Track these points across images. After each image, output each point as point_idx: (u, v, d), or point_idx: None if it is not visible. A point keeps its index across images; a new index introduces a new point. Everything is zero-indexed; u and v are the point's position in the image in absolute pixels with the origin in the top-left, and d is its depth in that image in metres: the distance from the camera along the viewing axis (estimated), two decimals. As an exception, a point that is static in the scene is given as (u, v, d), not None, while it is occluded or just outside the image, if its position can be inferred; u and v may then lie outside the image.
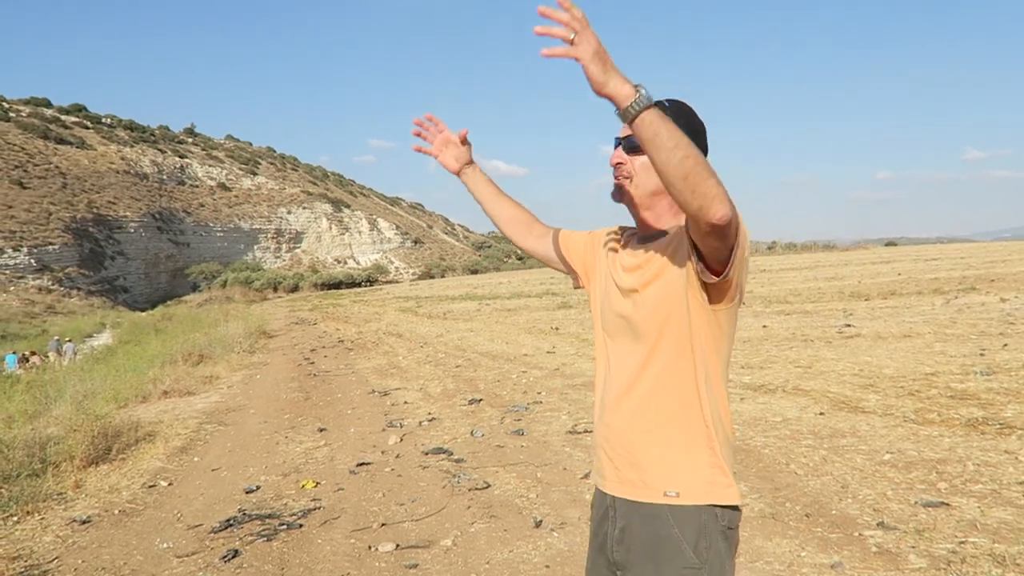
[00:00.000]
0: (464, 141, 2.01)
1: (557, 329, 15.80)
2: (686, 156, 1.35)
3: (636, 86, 1.36)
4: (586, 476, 5.00)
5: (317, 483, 5.35)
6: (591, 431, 6.23)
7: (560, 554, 3.75)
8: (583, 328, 15.60)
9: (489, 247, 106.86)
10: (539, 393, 8.32)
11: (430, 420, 7.32)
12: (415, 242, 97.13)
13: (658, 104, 1.40)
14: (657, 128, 1.35)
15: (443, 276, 78.15)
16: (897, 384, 7.07)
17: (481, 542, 4.00)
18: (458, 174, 2.02)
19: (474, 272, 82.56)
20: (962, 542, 3.41)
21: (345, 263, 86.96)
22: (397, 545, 4.00)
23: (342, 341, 17.19)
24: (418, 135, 2.04)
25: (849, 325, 12.15)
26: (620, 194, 1.73)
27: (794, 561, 3.38)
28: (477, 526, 4.24)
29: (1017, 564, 3.13)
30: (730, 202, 1.39)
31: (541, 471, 5.23)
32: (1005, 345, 9.02)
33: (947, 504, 3.91)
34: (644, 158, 1.63)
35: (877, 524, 3.70)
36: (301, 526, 4.41)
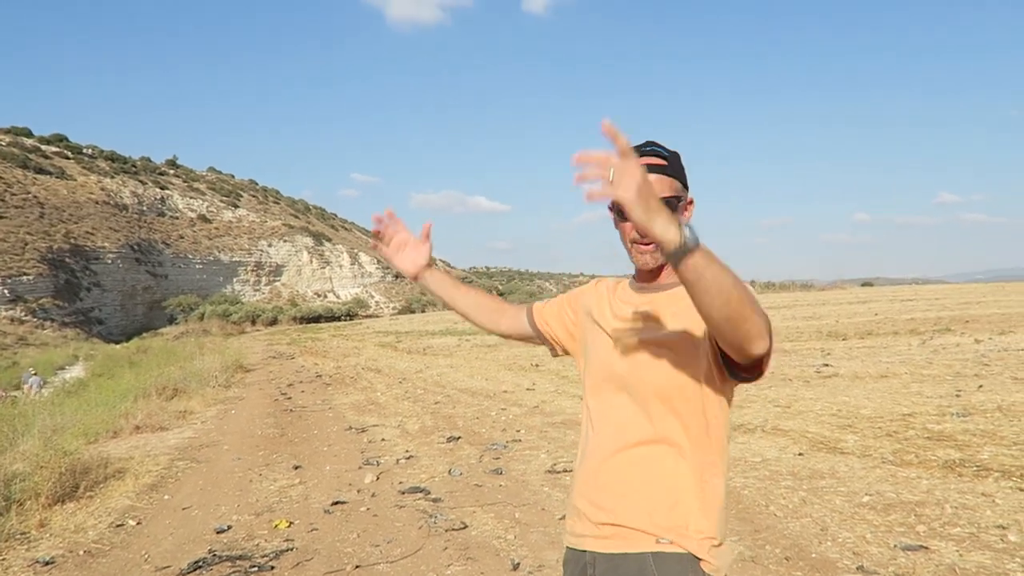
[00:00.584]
0: (427, 236, 1.95)
1: (537, 366, 15.75)
2: (729, 299, 1.28)
3: (681, 227, 1.26)
4: (564, 517, 4.93)
5: (291, 523, 5.23)
6: (571, 470, 6.20)
7: (538, 598, 3.68)
8: (563, 365, 15.54)
9: (470, 282, 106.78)
10: (518, 431, 8.25)
11: (407, 458, 7.22)
12: (396, 277, 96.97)
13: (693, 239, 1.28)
14: (702, 272, 1.26)
15: (423, 311, 77.86)
16: (875, 425, 7.09)
17: (457, 585, 3.92)
18: (415, 279, 1.97)
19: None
20: (942, 587, 3.39)
21: (325, 297, 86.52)
22: (371, 588, 3.92)
23: (320, 376, 17.00)
24: (377, 233, 1.98)
25: (827, 364, 12.23)
26: (657, 260, 1.63)
27: (774, 606, 3.34)
28: (453, 568, 4.16)
29: (997, 610, 3.12)
30: (769, 333, 1.36)
31: (519, 511, 5.16)
32: (980, 386, 9.10)
33: (926, 548, 3.90)
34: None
35: (857, 568, 3.68)
36: (273, 568, 4.30)
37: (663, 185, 1.60)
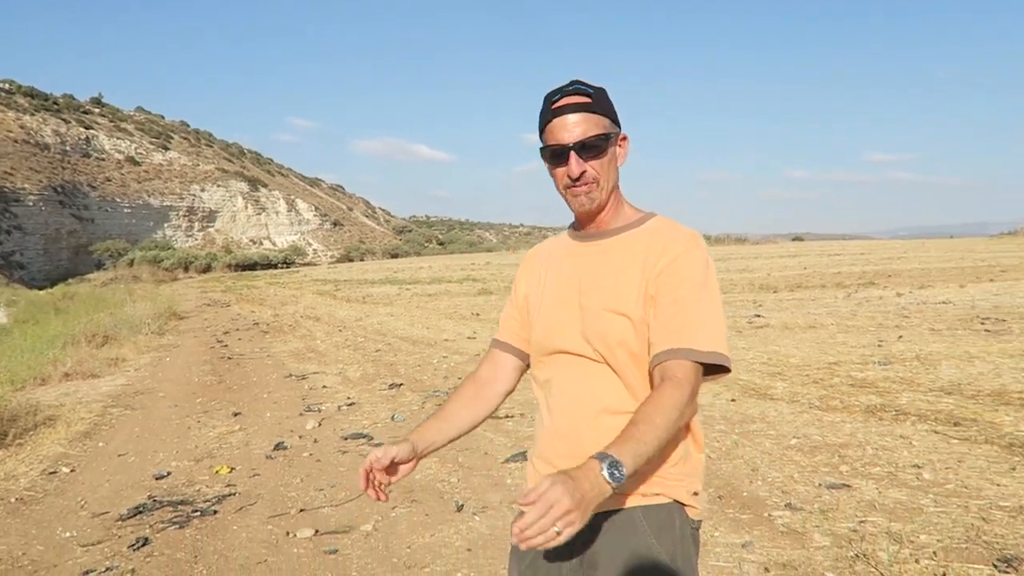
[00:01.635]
0: (411, 458, 1.65)
1: (478, 315, 15.82)
2: (664, 440, 1.35)
3: (603, 481, 1.23)
4: (507, 460, 5.04)
5: (232, 468, 5.21)
6: (512, 416, 6.32)
7: (482, 537, 3.77)
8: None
9: (410, 231, 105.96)
10: (460, 379, 8.30)
11: (349, 405, 7.22)
12: (334, 224, 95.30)
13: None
14: (641, 458, 1.30)
15: (362, 259, 76.97)
16: (803, 372, 7.40)
17: (402, 527, 3.98)
18: (422, 457, 1.70)
19: (394, 256, 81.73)
20: (862, 521, 3.61)
21: (261, 244, 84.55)
22: (316, 531, 3.95)
23: (257, 324, 16.73)
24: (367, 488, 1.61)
25: (759, 316, 12.63)
26: (592, 201, 1.58)
27: (708, 541, 3.51)
28: (398, 511, 4.22)
29: (911, 541, 3.34)
30: (694, 404, 1.43)
31: (462, 456, 5.24)
32: (900, 337, 9.56)
33: (848, 486, 4.13)
34: (607, 156, 1.56)
35: (785, 505, 3.88)
36: (215, 512, 4.29)
37: (589, 123, 1.53)
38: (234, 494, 4.63)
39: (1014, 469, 4.27)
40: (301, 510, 4.29)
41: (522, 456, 5.08)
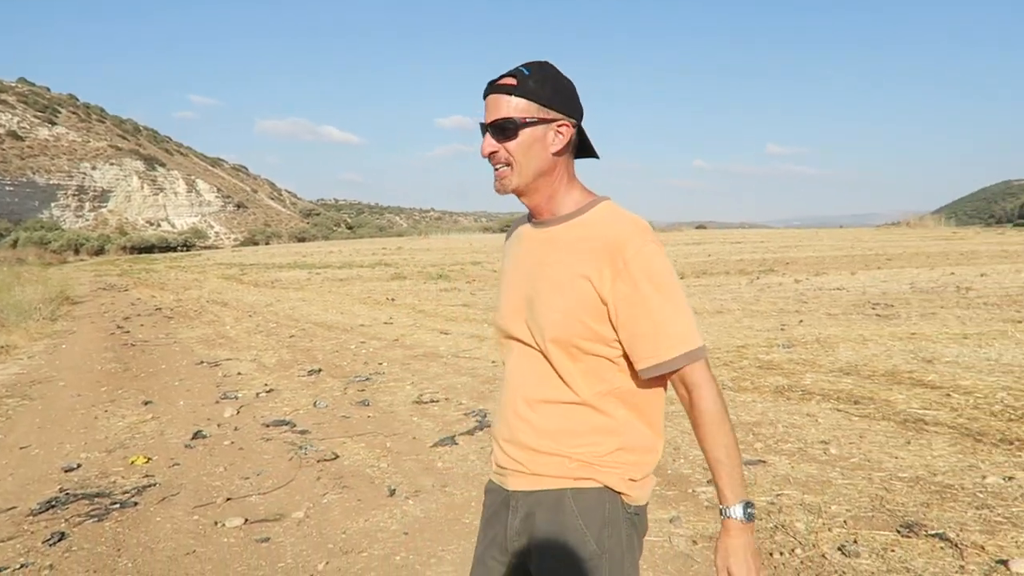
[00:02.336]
0: None
1: (393, 300, 15.70)
2: (732, 439, 1.52)
3: (745, 520, 1.49)
4: (436, 445, 5.07)
5: (149, 459, 5.02)
6: (437, 400, 6.35)
7: (417, 520, 3.80)
8: (419, 299, 15.61)
9: (318, 215, 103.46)
10: (380, 364, 8.27)
11: (268, 391, 7.07)
12: (238, 206, 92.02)
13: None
14: (739, 473, 1.52)
15: (268, 243, 74.66)
16: (714, 356, 7.73)
17: (335, 513, 3.96)
18: None
19: (302, 240, 79.67)
20: (778, 494, 3.84)
21: (159, 226, 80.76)
22: (246, 519, 3.87)
23: (160, 309, 16.05)
24: None
25: (670, 301, 13.04)
26: (504, 185, 1.59)
27: (636, 517, 3.65)
28: (329, 497, 4.19)
29: (824, 511, 3.58)
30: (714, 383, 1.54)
31: (390, 441, 5.23)
32: (801, 321, 10.11)
33: (764, 461, 4.38)
34: (520, 140, 1.54)
35: (707, 481, 4.08)
36: (136, 504, 4.14)
37: (507, 106, 1.53)
38: (154, 485, 4.47)
39: (908, 443, 4.63)
40: (228, 499, 4.19)
41: (451, 440, 5.12)
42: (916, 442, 4.63)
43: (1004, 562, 2.92)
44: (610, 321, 1.52)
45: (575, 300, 1.51)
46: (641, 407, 1.58)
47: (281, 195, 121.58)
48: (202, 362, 8.92)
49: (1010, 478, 3.90)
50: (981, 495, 3.69)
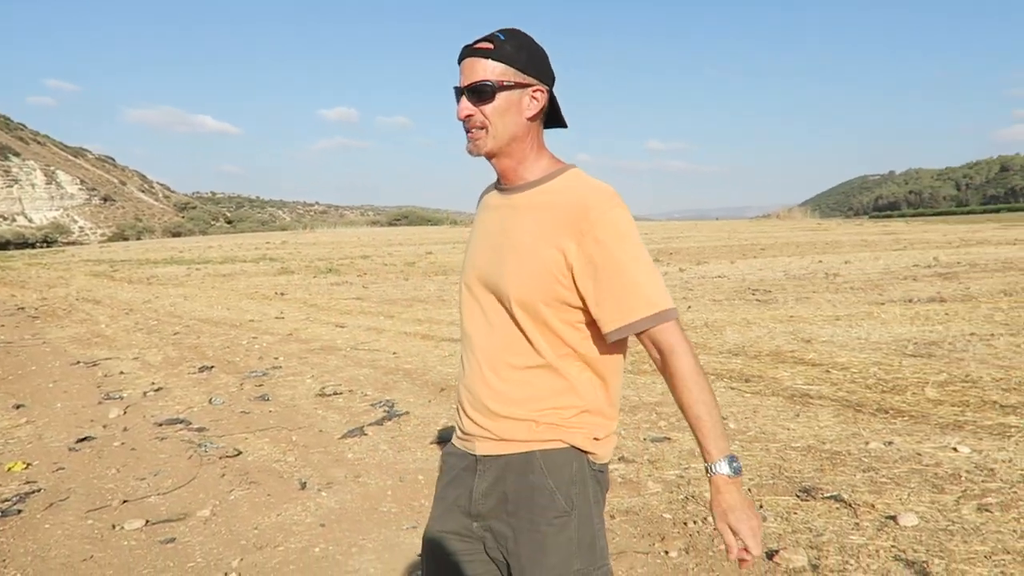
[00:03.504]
0: None
1: (283, 295, 15.22)
2: (711, 397, 1.51)
3: (733, 475, 1.48)
4: (344, 436, 4.97)
5: (28, 464, 4.66)
6: (341, 393, 6.22)
7: (333, 512, 3.71)
8: (310, 293, 15.22)
9: (194, 208, 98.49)
10: (276, 358, 8.01)
11: (156, 390, 6.70)
12: (104, 200, 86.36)
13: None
14: (720, 429, 1.51)
15: (139, 238, 70.57)
16: (612, 341, 7.95)
17: (244, 509, 3.81)
18: None
19: (176, 235, 75.66)
20: (686, 468, 4.01)
21: (14, 220, 74.59)
22: (147, 521, 3.67)
23: (22, 308, 14.86)
24: None
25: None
26: (478, 147, 1.60)
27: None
28: (236, 493, 4.03)
29: (728, 481, 3.77)
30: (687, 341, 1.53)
31: (295, 435, 5.08)
32: (689, 307, 10.57)
33: (669, 439, 4.55)
34: (496, 103, 1.56)
35: (618, 459, 4.20)
36: (20, 512, 3.84)
37: (484, 69, 1.55)
38: (38, 491, 4.15)
39: (797, 416, 4.93)
40: (124, 501, 3.95)
41: (359, 431, 5.03)
42: (804, 415, 4.95)
43: (893, 517, 3.17)
44: (575, 285, 1.53)
45: (540, 264, 1.52)
46: (602, 370, 1.60)
47: (153, 188, 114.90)
48: (78, 362, 8.34)
49: (889, 443, 4.23)
50: (866, 459, 3.99)
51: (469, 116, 1.57)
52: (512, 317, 1.57)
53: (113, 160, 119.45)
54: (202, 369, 7.53)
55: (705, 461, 1.51)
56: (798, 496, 3.51)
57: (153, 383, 7.01)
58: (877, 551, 2.88)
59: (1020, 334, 7.54)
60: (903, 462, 3.91)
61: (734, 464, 1.48)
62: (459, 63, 1.60)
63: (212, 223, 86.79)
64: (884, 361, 6.51)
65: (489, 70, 1.55)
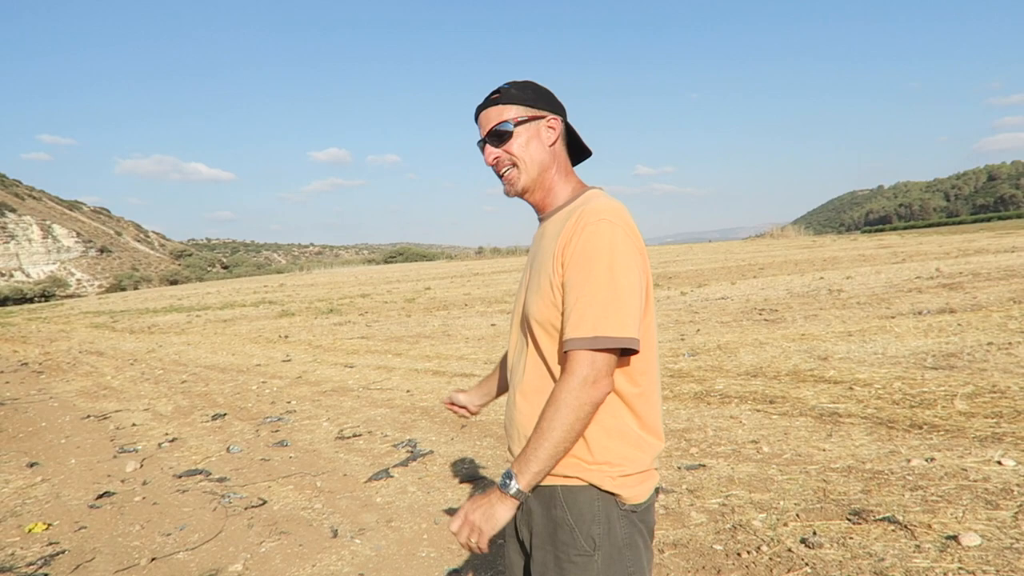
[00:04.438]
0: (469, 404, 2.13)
1: (287, 337, 15.11)
2: (565, 436, 1.48)
3: (500, 487, 1.52)
4: (370, 480, 4.86)
5: (49, 524, 4.54)
6: (360, 435, 6.11)
7: (370, 560, 3.60)
8: (314, 335, 15.11)
9: (190, 255, 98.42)
10: (289, 403, 7.90)
11: (171, 441, 6.58)
12: (101, 251, 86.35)
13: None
14: (542, 470, 1.49)
15: (136, 288, 70.38)
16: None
17: (277, 561, 3.70)
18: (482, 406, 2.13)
19: (174, 283, 75.57)
20: (727, 495, 3.91)
21: (11, 276, 74.49)
22: (178, 579, 3.56)
23: (26, 364, 14.72)
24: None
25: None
26: (513, 186, 1.69)
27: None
28: (267, 545, 3.91)
29: (774, 508, 3.67)
30: (595, 388, 1.47)
31: (320, 480, 4.98)
32: (698, 330, 10.49)
33: (704, 466, 4.46)
34: (517, 139, 1.65)
35: (658, 491, 4.10)
36: (47, 575, 3.72)
37: (496, 115, 1.67)
38: (63, 552, 4.03)
39: (830, 436, 4.85)
40: (152, 559, 3.84)
41: (385, 473, 4.93)
42: (836, 434, 4.86)
43: (954, 537, 3.08)
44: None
45: (548, 282, 1.57)
46: (624, 392, 1.55)
47: (148, 237, 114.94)
48: (88, 416, 8.22)
49: (931, 459, 4.15)
50: (910, 477, 3.90)
51: (497, 159, 1.68)
52: (535, 342, 1.60)
53: (108, 211, 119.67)
54: (215, 417, 7.42)
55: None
56: (849, 519, 3.41)
57: (167, 434, 6.89)
58: (945, 574, 2.79)
59: (1038, 341, 7.48)
60: (949, 478, 3.83)
61: (507, 480, 1.50)
62: (476, 121, 1.73)
63: (208, 269, 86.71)
64: (906, 375, 6.43)
65: (502, 113, 1.68)
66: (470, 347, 11.19)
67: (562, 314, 1.52)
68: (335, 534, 3.97)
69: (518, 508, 1.56)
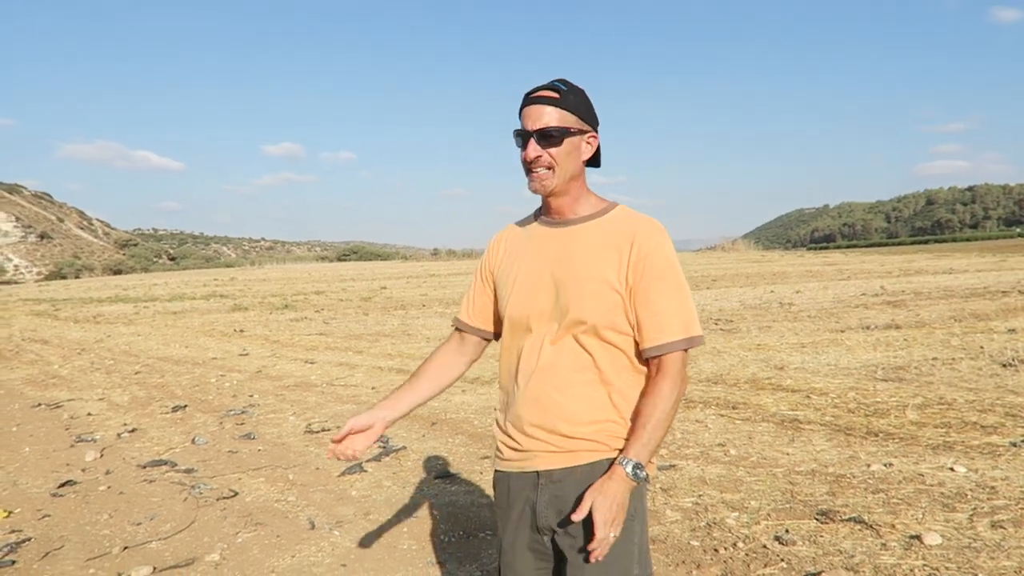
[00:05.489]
0: (370, 424, 1.88)
1: (242, 331, 14.88)
2: (669, 426, 1.68)
3: (631, 477, 1.61)
4: (344, 474, 4.86)
5: (9, 512, 4.43)
6: (328, 429, 6.09)
7: (351, 551, 3.62)
8: (270, 330, 14.91)
9: (135, 245, 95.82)
10: (251, 396, 7.81)
11: (131, 431, 6.45)
12: (41, 237, 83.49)
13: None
14: (653, 450, 1.65)
15: (78, 276, 68.17)
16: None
17: (255, 551, 3.69)
18: (388, 427, 1.94)
19: (118, 272, 73.43)
20: (700, 495, 4.04)
21: (-58, 259, 71.59)
22: (154, 568, 3.51)
23: (-37, 351, 14.20)
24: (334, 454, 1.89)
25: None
26: (544, 187, 1.73)
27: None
28: (243, 536, 3.89)
29: (745, 507, 3.81)
30: (686, 380, 1.70)
31: (292, 473, 4.96)
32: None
33: (675, 466, 4.58)
34: (563, 147, 1.70)
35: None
36: (14, 563, 3.64)
37: (552, 115, 1.69)
38: (28, 540, 3.94)
39: (792, 441, 5.03)
40: (125, 548, 3.78)
41: (359, 468, 4.94)
42: (798, 439, 5.05)
43: (917, 537, 3.25)
44: (626, 307, 1.69)
45: (603, 290, 1.68)
46: (640, 383, 1.74)
47: (92, 225, 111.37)
48: (39, 404, 7.99)
49: (889, 464, 4.35)
50: (872, 481, 4.09)
51: (539, 158, 1.71)
52: (577, 338, 1.70)
53: (50, 197, 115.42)
54: (175, 409, 7.29)
55: (620, 453, 1.65)
56: (818, 519, 3.57)
57: (125, 424, 6.75)
58: (912, 570, 2.95)
59: (979, 358, 7.85)
60: (908, 483, 4.02)
61: (639, 471, 1.61)
62: (521, 109, 1.74)
63: (155, 260, 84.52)
64: (859, 386, 6.69)
65: (557, 117, 1.70)
66: (432, 346, 11.19)
67: (637, 317, 1.68)
68: (313, 526, 3.97)
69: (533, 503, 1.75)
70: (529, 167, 1.73)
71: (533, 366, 1.73)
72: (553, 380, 1.71)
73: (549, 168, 1.71)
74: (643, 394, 1.70)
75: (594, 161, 1.83)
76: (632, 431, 1.66)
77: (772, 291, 18.44)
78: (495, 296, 1.90)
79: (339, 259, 74.08)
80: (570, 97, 1.71)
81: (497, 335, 1.93)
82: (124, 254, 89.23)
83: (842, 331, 10.66)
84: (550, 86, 1.72)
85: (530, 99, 1.72)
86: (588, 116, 1.75)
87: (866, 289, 17.49)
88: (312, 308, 20.13)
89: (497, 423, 1.87)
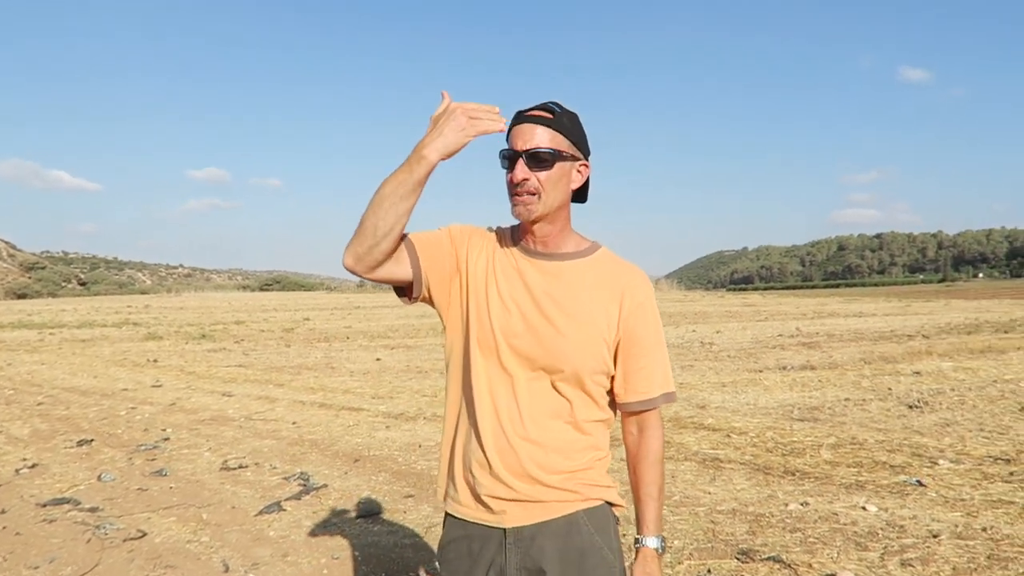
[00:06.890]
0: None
1: (155, 361, 14.29)
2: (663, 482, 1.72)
3: (660, 552, 1.66)
4: (261, 513, 4.68)
5: None
6: (246, 466, 5.88)
7: (268, 595, 3.48)
8: (186, 360, 14.37)
9: (43, 268, 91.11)
10: (164, 430, 7.48)
11: (31, 467, 6.07)
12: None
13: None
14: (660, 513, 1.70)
15: (-26, 299, 64.32)
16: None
17: (164, 596, 3.50)
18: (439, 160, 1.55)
19: (22, 296, 69.66)
20: (623, 534, 4.03)
21: None
22: (51, 615, 3.30)
23: None
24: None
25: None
26: (529, 212, 1.59)
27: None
28: (152, 579, 3.70)
29: (669, 546, 3.85)
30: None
31: (206, 512, 4.74)
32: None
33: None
34: (553, 172, 1.58)
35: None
36: None
37: (544, 137, 1.57)
38: (-90, 586, 3.65)
39: (714, 480, 5.13)
40: (19, 594, 3.54)
41: (277, 507, 4.77)
42: (719, 478, 5.15)
43: (832, 575, 3.34)
44: (607, 357, 1.64)
45: (592, 335, 1.61)
46: (606, 432, 1.72)
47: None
48: (-72, 437, 7.45)
49: (805, 504, 4.48)
50: (789, 520, 4.20)
51: (526, 180, 1.57)
52: (555, 386, 1.61)
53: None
54: (81, 443, 6.91)
55: (639, 532, 1.66)
56: (738, 559, 3.63)
57: (24, 459, 6.35)
58: (827, 608, 3.02)
59: (887, 399, 8.23)
60: (823, 522, 4.15)
61: (663, 543, 1.67)
62: (513, 126, 1.61)
63: (63, 285, 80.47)
64: (776, 426, 6.90)
65: (548, 139, 1.58)
66: (356, 380, 11.00)
67: (623, 369, 1.65)
68: (226, 568, 3.80)
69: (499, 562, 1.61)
70: (514, 190, 1.59)
71: (506, 407, 1.60)
72: (530, 425, 1.58)
73: (534, 194, 1.58)
74: (636, 456, 1.68)
75: (581, 195, 1.70)
76: (643, 503, 1.65)
77: (694, 331, 18.89)
78: (454, 272, 1.67)
79: (261, 288, 72.35)
80: (564, 120, 1.60)
81: (411, 296, 1.64)
82: (30, 277, 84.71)
83: (760, 371, 11.00)
84: (543, 106, 1.61)
85: (521, 118, 1.61)
86: (581, 142, 1.64)
87: (782, 330, 18.13)
88: (231, 339, 19.53)
89: (450, 459, 1.69)
